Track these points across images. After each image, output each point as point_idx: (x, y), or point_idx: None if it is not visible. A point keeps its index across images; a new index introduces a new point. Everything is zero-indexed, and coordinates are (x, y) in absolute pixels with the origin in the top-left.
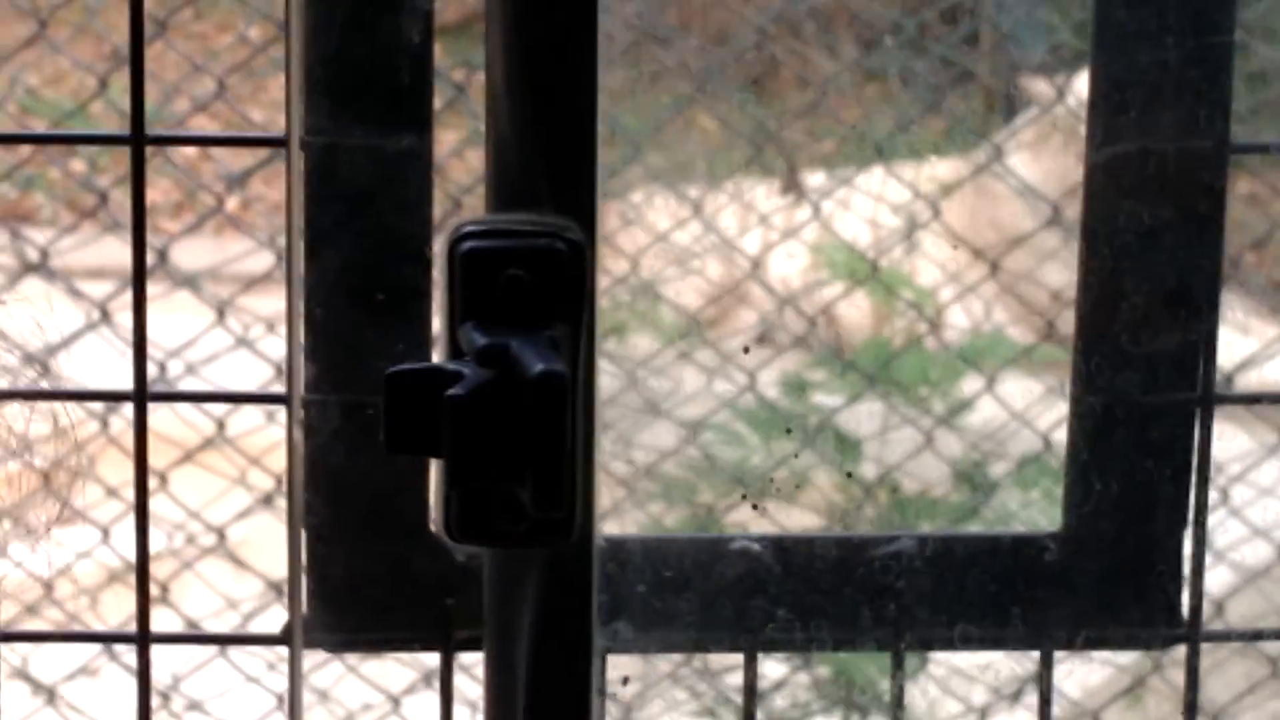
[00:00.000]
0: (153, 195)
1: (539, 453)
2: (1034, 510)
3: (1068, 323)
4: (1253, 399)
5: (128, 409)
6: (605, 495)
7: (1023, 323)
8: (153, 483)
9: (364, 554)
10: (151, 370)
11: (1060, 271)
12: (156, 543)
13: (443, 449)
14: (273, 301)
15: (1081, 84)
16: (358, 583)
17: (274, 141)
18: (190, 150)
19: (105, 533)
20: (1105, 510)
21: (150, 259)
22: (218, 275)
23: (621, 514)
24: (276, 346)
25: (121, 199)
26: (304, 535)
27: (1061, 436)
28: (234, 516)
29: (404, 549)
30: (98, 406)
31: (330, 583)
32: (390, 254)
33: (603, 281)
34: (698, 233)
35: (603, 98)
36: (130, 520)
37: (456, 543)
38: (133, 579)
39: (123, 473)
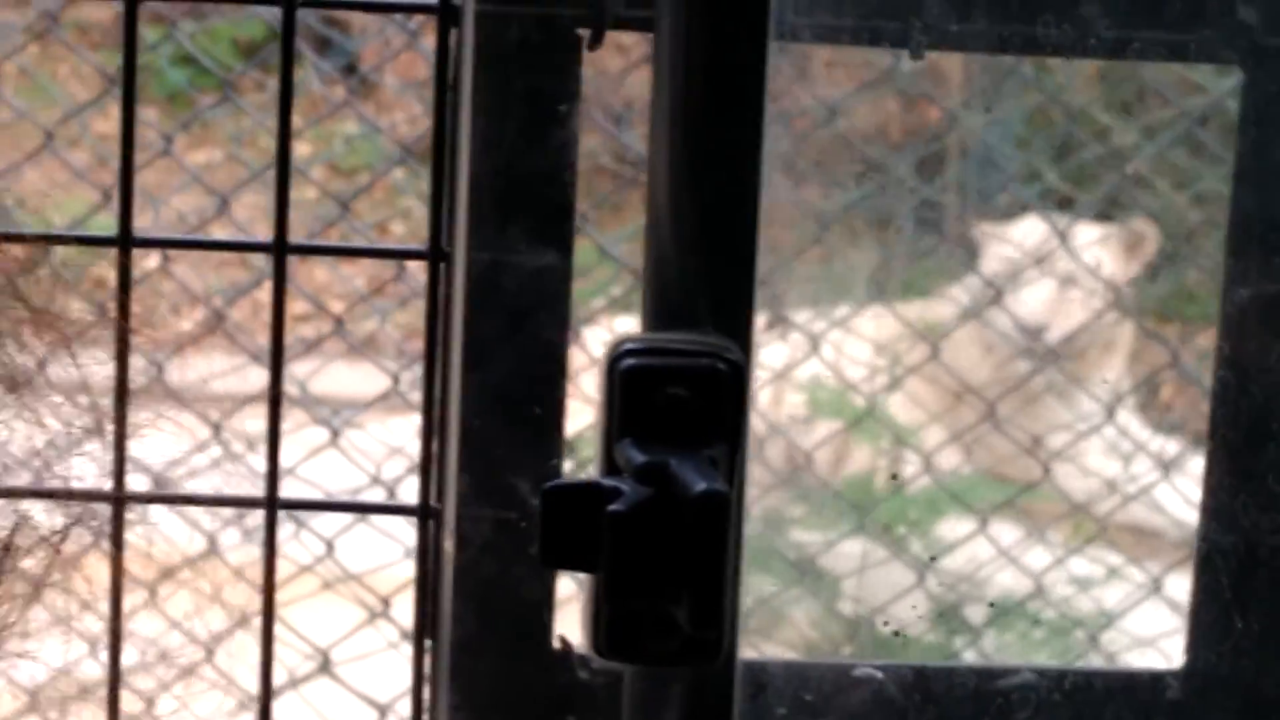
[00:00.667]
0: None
1: (698, 571)
2: (1009, 653)
3: (1051, 469)
4: None
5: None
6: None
7: (1003, 467)
8: (140, 596)
9: (498, 669)
10: (143, 482)
11: (1040, 419)
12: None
13: (600, 564)
14: (257, 422)
15: (1081, 230)
16: (492, 697)
17: (419, 254)
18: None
19: (90, 646)
20: (1242, 649)
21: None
22: (200, 394)
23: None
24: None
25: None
26: (449, 645)
27: (1049, 580)
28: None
29: (538, 664)
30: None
31: (469, 695)
32: (539, 369)
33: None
34: None
35: None
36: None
37: (606, 659)
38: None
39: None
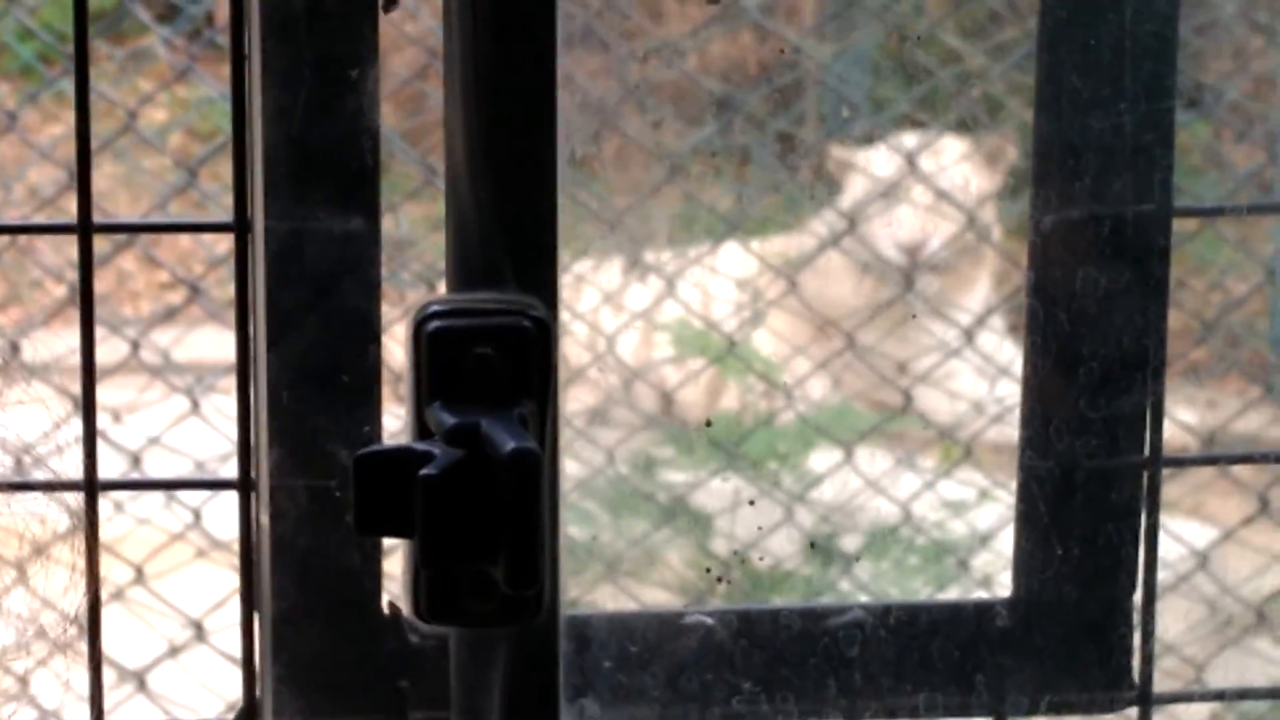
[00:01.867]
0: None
1: (513, 531)
2: (885, 581)
3: (916, 395)
4: (1202, 460)
5: None
6: None
7: (869, 395)
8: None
9: (323, 638)
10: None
11: (903, 344)
12: (8, 636)
13: (415, 529)
14: (118, 392)
15: (923, 154)
16: (318, 666)
17: (224, 227)
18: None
19: None
20: (1063, 574)
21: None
22: (62, 366)
23: None
24: (126, 436)
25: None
26: (270, 618)
27: (916, 509)
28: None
29: (362, 631)
30: None
31: (294, 666)
32: (350, 337)
33: None
34: None
35: None
36: None
37: (426, 623)
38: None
39: None
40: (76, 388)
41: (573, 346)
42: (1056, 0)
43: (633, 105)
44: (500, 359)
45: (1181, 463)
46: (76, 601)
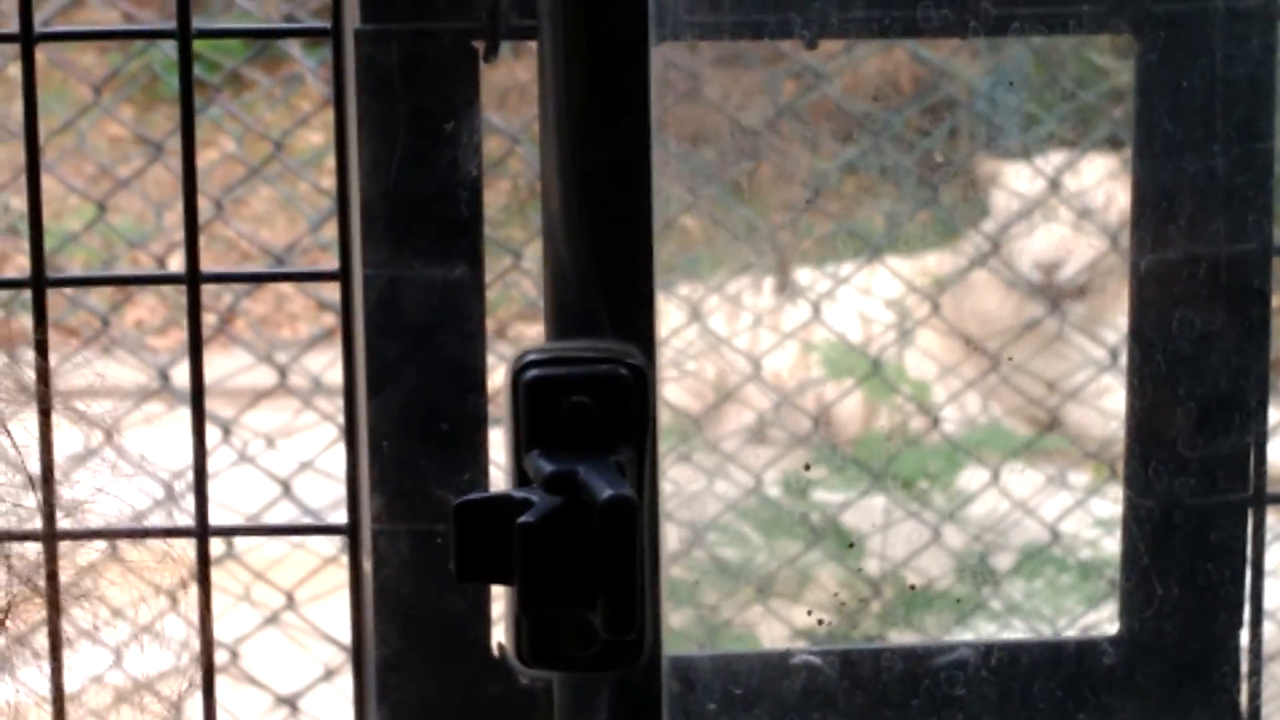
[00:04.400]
0: (140, 313)
1: (610, 577)
2: (1038, 600)
3: (1067, 413)
4: None
5: None
6: None
7: (1019, 414)
8: (161, 602)
9: (432, 682)
10: (158, 490)
11: (1053, 362)
12: (165, 661)
13: (514, 576)
14: (271, 416)
15: (1070, 172)
16: (427, 711)
17: (329, 276)
18: None
19: (116, 654)
20: (1164, 613)
21: (143, 377)
22: (212, 392)
23: None
24: (277, 461)
25: (117, 321)
26: (375, 664)
27: (1065, 528)
28: (244, 634)
29: (471, 675)
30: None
31: (401, 712)
32: (451, 385)
33: None
34: (692, 336)
35: None
36: (139, 642)
37: (528, 668)
38: (142, 700)
39: (128, 593)
40: (226, 413)
41: (722, 367)
42: (1150, 44)
43: (784, 125)
44: (597, 407)
45: None
46: (226, 629)
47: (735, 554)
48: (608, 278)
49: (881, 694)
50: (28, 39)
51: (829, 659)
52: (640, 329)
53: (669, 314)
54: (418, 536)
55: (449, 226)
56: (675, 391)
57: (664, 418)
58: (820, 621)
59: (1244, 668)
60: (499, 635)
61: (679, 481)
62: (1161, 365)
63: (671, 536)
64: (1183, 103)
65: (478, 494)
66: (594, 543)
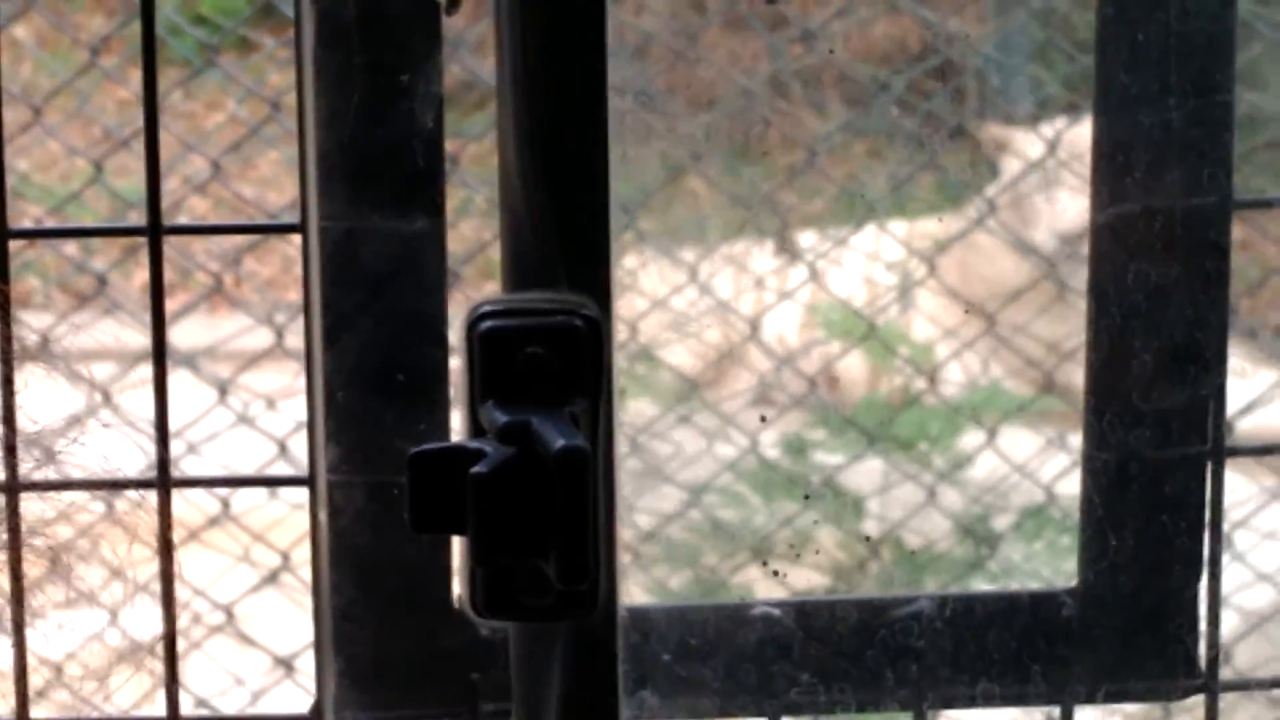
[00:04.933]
0: (143, 275)
1: (563, 527)
2: (1038, 562)
3: (1065, 374)
4: (1263, 450)
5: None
6: None
7: (1019, 376)
8: (159, 562)
9: (390, 632)
10: (154, 450)
11: (1054, 324)
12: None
13: (468, 526)
14: (272, 378)
15: (1073, 136)
16: (385, 661)
17: (289, 228)
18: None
19: (112, 615)
20: (1121, 565)
21: (146, 340)
22: (215, 353)
23: (625, 578)
24: (276, 423)
25: (118, 281)
26: (330, 614)
27: (1064, 488)
28: (241, 594)
29: (429, 626)
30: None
31: (358, 661)
32: (409, 336)
33: None
34: (693, 297)
35: None
36: (137, 602)
37: (483, 618)
38: (140, 660)
39: (126, 553)
40: (225, 373)
41: (723, 329)
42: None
43: (788, 89)
44: (552, 358)
45: (1243, 453)
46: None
47: (734, 515)
48: (563, 230)
49: (838, 644)
50: None
51: (786, 610)
52: (596, 281)
53: (670, 276)
54: (375, 488)
55: (408, 178)
56: (680, 353)
57: (664, 379)
58: (775, 573)
59: (1204, 621)
60: (458, 586)
61: (680, 443)
62: (1118, 318)
63: (671, 498)
64: (1140, 56)
65: (432, 444)
66: (547, 493)
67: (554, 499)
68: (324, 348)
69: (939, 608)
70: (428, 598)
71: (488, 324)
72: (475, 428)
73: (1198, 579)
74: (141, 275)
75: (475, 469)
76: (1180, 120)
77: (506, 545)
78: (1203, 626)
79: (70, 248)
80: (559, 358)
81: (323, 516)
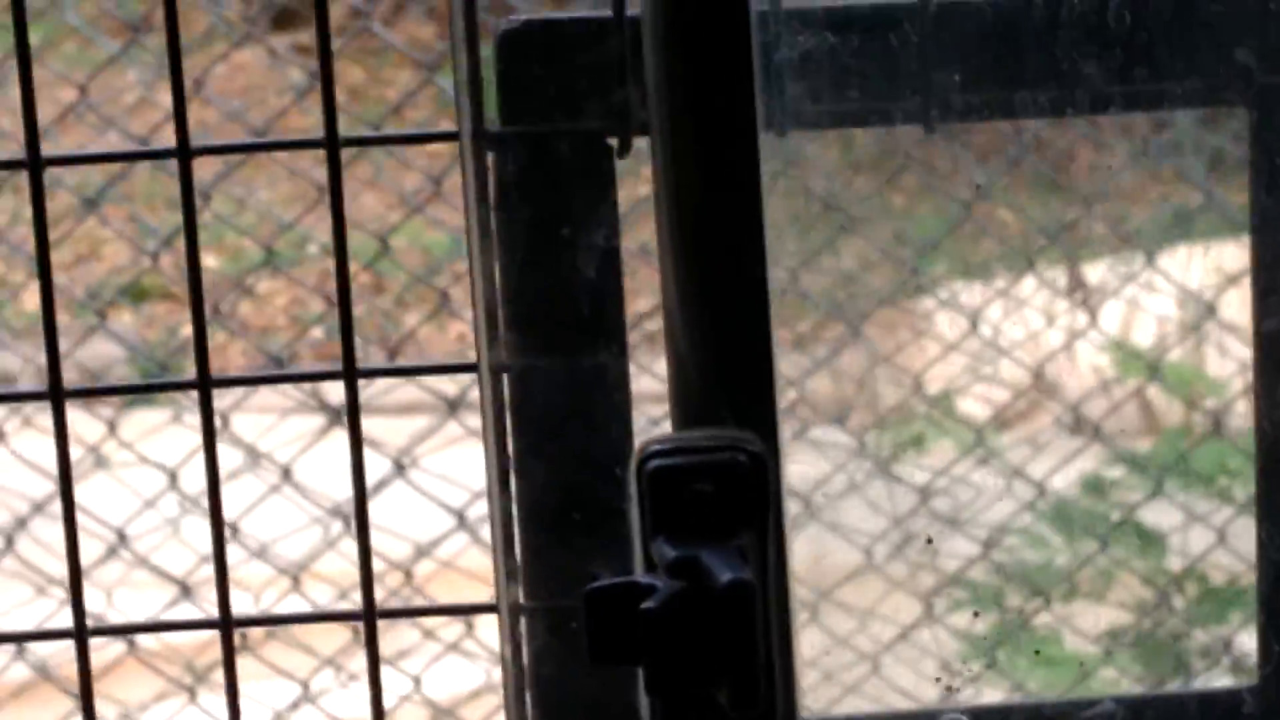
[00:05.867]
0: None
1: (733, 657)
2: None
3: None
4: None
5: None
6: (913, 604)
7: None
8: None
9: None
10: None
11: None
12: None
13: (642, 658)
14: None
15: None
16: None
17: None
18: None
19: None
20: None
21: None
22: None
23: (933, 622)
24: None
25: None
26: None
27: None
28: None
29: None
30: None
31: None
32: (589, 474)
33: (897, 394)
34: (987, 335)
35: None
36: None
37: None
38: None
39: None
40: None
41: (1014, 369)
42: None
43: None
44: (717, 493)
45: None
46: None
47: (1035, 556)
48: (725, 368)
49: None
50: None
51: (976, 715)
52: (760, 416)
53: (958, 319)
54: (561, 620)
55: (588, 318)
56: (971, 397)
57: (961, 424)
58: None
59: None
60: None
61: (979, 485)
62: None
63: (973, 541)
64: None
65: (606, 580)
66: (716, 625)
67: (723, 630)
68: (500, 486)
69: (1133, 711)
70: None
71: (655, 463)
72: (648, 562)
73: None
74: None
75: (645, 604)
76: None
77: (679, 675)
78: None
79: None
80: (724, 493)
81: (507, 652)
